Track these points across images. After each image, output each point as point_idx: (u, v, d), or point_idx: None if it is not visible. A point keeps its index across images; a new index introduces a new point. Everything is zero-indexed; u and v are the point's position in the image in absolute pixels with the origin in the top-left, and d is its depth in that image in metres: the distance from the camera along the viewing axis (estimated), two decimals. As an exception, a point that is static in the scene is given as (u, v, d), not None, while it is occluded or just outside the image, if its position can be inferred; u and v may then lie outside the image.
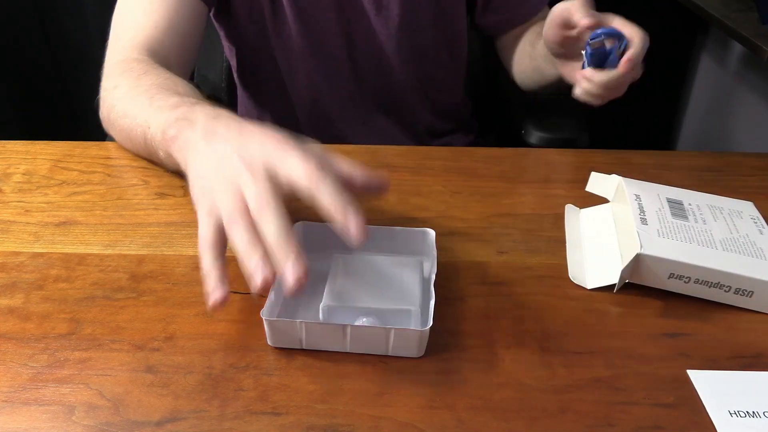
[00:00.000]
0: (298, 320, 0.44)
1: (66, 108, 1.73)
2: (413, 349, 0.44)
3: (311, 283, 0.42)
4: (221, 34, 0.90)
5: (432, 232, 0.52)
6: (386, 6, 0.81)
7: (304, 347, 0.45)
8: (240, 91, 0.95)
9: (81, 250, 0.54)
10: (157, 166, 0.65)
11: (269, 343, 0.45)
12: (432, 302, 0.46)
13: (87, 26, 1.58)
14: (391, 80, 0.87)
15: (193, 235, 0.56)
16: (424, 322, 0.45)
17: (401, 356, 0.45)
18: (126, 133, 0.63)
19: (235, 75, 0.93)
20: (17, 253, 0.54)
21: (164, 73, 0.63)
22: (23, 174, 0.65)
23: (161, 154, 0.57)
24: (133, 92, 0.61)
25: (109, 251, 0.54)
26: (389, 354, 0.45)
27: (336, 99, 0.87)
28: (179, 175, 0.64)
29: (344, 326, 0.44)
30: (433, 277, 0.49)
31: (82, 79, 1.69)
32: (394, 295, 0.47)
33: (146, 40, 0.69)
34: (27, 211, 0.59)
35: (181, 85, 0.61)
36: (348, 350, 0.45)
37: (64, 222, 0.58)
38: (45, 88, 1.69)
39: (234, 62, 0.91)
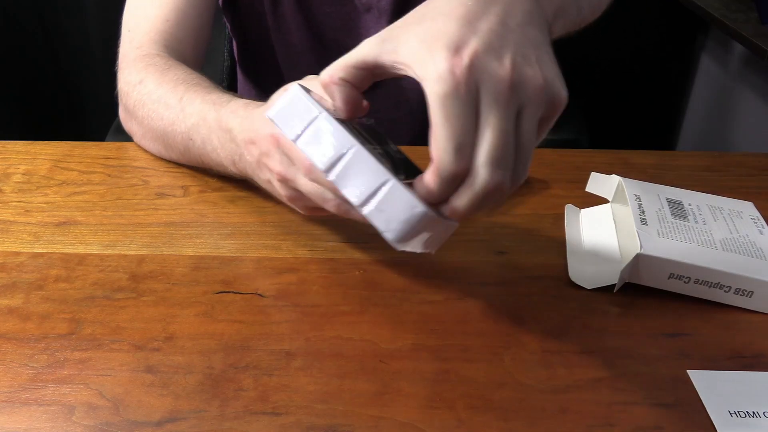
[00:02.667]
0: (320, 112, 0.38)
1: (66, 108, 1.73)
2: (395, 224, 0.36)
3: None
4: (228, 27, 0.90)
5: None
6: (376, 4, 0.81)
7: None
8: (241, 84, 0.95)
9: (81, 250, 0.54)
10: (166, 163, 0.65)
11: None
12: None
13: (87, 26, 1.58)
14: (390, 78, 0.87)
15: (193, 235, 0.56)
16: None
17: (379, 230, 0.37)
18: (158, 136, 0.64)
19: (238, 69, 0.94)
20: (17, 253, 0.54)
21: (185, 68, 0.64)
22: (23, 174, 0.65)
23: (214, 165, 0.59)
24: (161, 90, 0.62)
25: (109, 251, 0.54)
26: (364, 211, 0.37)
27: None
28: (179, 175, 0.64)
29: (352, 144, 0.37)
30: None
31: (82, 79, 1.69)
32: None
33: (161, 35, 0.69)
34: (27, 211, 0.59)
35: (203, 80, 0.62)
36: (331, 177, 0.38)
37: (64, 222, 0.58)
38: (45, 88, 1.69)
39: (237, 57, 0.92)
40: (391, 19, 0.81)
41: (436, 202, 0.38)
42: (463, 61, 0.35)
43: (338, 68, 0.40)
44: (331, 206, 0.46)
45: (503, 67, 0.36)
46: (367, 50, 0.39)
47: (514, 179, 0.38)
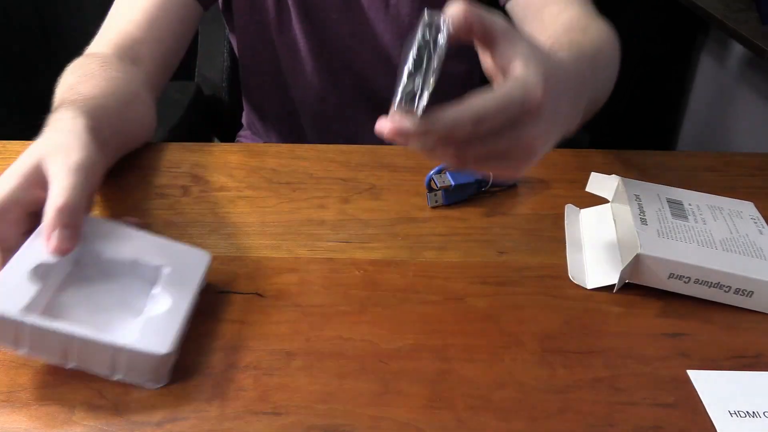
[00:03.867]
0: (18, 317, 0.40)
1: (66, 108, 1.73)
2: (148, 375, 0.41)
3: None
4: (227, 28, 0.90)
5: (206, 258, 0.49)
6: (395, 5, 0.81)
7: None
8: (243, 89, 0.95)
9: (81, 250, 0.54)
10: (166, 163, 0.65)
11: None
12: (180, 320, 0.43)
13: (87, 26, 1.58)
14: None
15: (193, 235, 0.56)
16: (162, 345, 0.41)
17: (135, 383, 0.41)
18: None
19: (240, 72, 0.94)
20: (17, 253, 0.54)
21: (115, 69, 0.65)
22: (23, 174, 0.65)
23: None
24: (70, 79, 0.64)
25: (109, 251, 0.54)
26: (120, 378, 0.41)
27: (340, 99, 0.87)
28: (179, 175, 0.64)
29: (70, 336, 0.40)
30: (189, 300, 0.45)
31: (82, 79, 1.69)
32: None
33: (117, 33, 0.70)
34: (27, 211, 0.59)
35: (111, 81, 0.63)
36: (70, 364, 0.41)
37: (64, 222, 0.58)
38: (45, 88, 1.69)
39: (241, 65, 0.92)
40: (410, 24, 0.82)
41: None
42: (544, 95, 0.39)
43: (474, 11, 0.41)
44: None
45: (545, 122, 0.41)
46: (499, 23, 0.42)
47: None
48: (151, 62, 0.71)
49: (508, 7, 0.78)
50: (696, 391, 0.43)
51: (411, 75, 0.38)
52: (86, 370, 0.41)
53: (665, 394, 0.43)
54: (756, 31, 1.29)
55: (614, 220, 0.57)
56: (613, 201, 0.59)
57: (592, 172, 0.60)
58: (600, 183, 0.59)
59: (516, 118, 0.39)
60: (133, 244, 0.47)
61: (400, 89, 0.38)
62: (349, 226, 0.57)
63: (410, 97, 0.38)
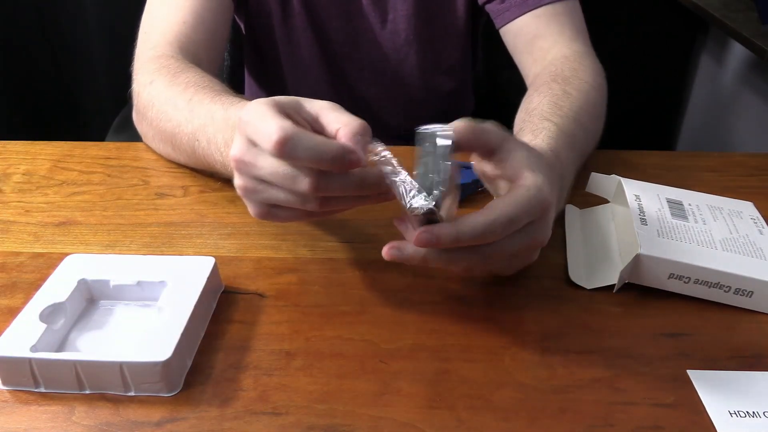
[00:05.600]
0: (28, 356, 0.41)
1: (66, 108, 1.73)
2: (159, 384, 0.41)
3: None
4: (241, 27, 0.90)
5: (211, 261, 0.49)
6: (392, 21, 0.82)
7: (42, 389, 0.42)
8: (246, 89, 0.95)
9: (81, 250, 0.54)
10: (166, 163, 0.65)
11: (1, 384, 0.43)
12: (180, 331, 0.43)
13: (87, 26, 1.58)
14: (398, 90, 0.87)
15: (193, 235, 0.56)
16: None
17: (151, 395, 0.42)
18: (167, 137, 0.62)
19: (246, 75, 0.94)
20: (17, 253, 0.54)
21: (197, 71, 0.63)
22: (23, 174, 0.65)
23: (219, 167, 0.57)
24: (171, 92, 0.61)
25: (109, 251, 0.54)
26: (134, 394, 0.42)
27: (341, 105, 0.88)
28: (179, 175, 0.64)
29: (75, 362, 0.41)
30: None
31: (82, 79, 1.69)
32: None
33: (176, 36, 0.69)
34: (27, 211, 0.59)
35: (214, 83, 0.61)
36: (87, 390, 0.42)
37: (64, 222, 0.58)
38: (45, 88, 1.69)
39: (246, 63, 0.92)
40: (406, 38, 0.82)
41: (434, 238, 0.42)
42: (551, 195, 0.45)
43: (472, 128, 0.45)
44: (304, 185, 0.43)
45: (548, 228, 0.46)
46: (495, 136, 0.46)
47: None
48: (208, 62, 0.70)
49: (502, 31, 0.78)
50: (696, 391, 0.43)
51: (422, 175, 0.42)
52: (104, 392, 0.42)
53: (665, 394, 0.43)
54: (756, 31, 1.29)
55: (614, 220, 0.57)
56: (613, 201, 0.59)
57: (592, 173, 0.60)
58: (600, 183, 0.59)
59: (536, 217, 0.44)
60: (137, 268, 0.49)
61: (412, 190, 0.41)
62: (349, 226, 0.57)
63: (425, 188, 0.41)
